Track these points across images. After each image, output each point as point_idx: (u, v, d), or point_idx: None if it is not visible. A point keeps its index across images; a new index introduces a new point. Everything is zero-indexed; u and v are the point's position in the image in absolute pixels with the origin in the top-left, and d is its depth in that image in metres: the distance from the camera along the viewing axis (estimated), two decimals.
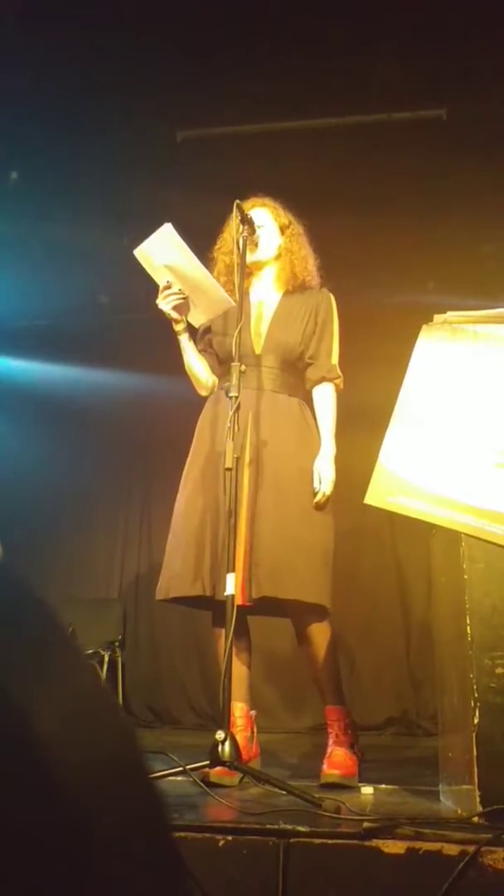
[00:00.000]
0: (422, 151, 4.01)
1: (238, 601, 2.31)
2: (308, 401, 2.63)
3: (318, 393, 2.61)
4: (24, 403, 5.55)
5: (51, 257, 4.78)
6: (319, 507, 2.46)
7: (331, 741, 2.37)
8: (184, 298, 2.46)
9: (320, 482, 2.46)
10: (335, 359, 2.63)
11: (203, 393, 2.70)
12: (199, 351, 2.68)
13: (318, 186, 3.96)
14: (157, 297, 2.51)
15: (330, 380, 2.61)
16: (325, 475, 2.47)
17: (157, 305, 2.49)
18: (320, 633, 2.44)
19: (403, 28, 3.42)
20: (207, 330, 2.69)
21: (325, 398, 2.60)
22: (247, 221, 2.48)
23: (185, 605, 2.57)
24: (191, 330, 2.61)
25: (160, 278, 2.46)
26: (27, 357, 5.67)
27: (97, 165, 4.11)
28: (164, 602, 2.57)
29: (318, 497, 2.45)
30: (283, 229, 2.71)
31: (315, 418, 2.60)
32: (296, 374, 2.62)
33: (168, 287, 2.45)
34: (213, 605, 2.43)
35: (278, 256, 2.69)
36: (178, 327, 2.55)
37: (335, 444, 2.55)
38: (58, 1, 3.31)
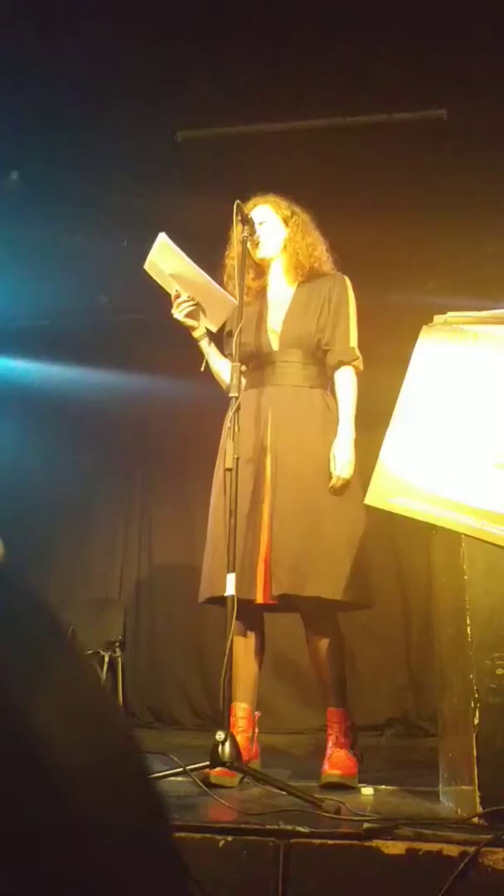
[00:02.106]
0: (422, 152, 4.00)
1: (260, 599, 2.34)
2: (333, 389, 2.60)
3: (338, 377, 2.59)
4: (25, 404, 5.54)
5: (51, 257, 4.78)
6: (336, 491, 2.44)
7: (330, 743, 2.38)
8: (195, 305, 2.48)
9: (336, 466, 2.44)
10: (353, 341, 2.60)
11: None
12: (226, 355, 2.68)
13: (319, 187, 3.94)
14: (161, 300, 2.53)
15: (348, 363, 2.58)
16: (340, 459, 2.44)
17: (172, 315, 2.51)
18: (330, 634, 2.44)
19: (404, 28, 3.41)
20: (230, 333, 2.70)
21: (344, 382, 2.57)
22: (247, 221, 2.49)
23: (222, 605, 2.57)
24: (213, 334, 2.63)
25: (170, 288, 2.48)
26: (27, 357, 5.66)
27: (97, 165, 4.11)
28: (204, 604, 2.57)
29: (333, 481, 2.43)
30: (286, 221, 2.71)
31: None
32: (317, 364, 2.60)
33: (178, 296, 2.47)
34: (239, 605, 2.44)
35: (285, 249, 2.69)
36: (197, 334, 2.57)
37: (353, 428, 2.51)
38: (58, 1, 3.31)
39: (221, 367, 2.68)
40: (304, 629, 2.50)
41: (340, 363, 2.58)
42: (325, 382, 2.61)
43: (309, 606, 2.44)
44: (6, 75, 3.53)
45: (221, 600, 2.45)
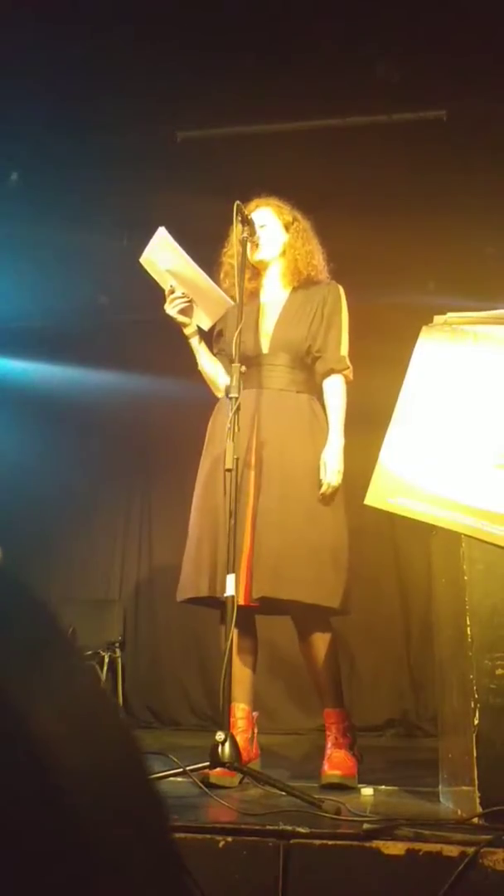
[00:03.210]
0: (422, 152, 4.00)
1: (241, 601, 2.31)
2: (320, 396, 2.61)
3: (327, 385, 2.59)
4: (25, 404, 5.54)
5: (51, 258, 4.78)
6: (325, 499, 2.44)
7: (329, 743, 2.37)
8: (189, 302, 2.47)
9: (326, 473, 2.45)
10: (344, 350, 2.60)
11: (219, 395, 2.71)
12: (215, 354, 2.68)
13: (319, 187, 3.95)
14: (161, 301, 2.52)
15: (338, 371, 2.58)
16: (330, 466, 2.45)
17: (164, 311, 2.50)
18: (322, 635, 2.44)
19: (404, 29, 3.41)
20: (221, 332, 2.69)
21: (333, 390, 2.58)
22: (247, 222, 2.48)
23: (201, 605, 2.56)
24: (203, 333, 2.62)
25: (165, 283, 2.48)
26: (27, 358, 5.67)
27: (97, 165, 4.11)
28: (183, 603, 2.57)
29: (324, 488, 2.43)
30: (287, 226, 2.70)
31: (325, 412, 2.59)
32: (306, 370, 2.60)
33: (172, 292, 2.46)
34: (221, 605, 2.44)
35: (283, 254, 2.69)
36: (188, 331, 2.57)
37: (343, 436, 2.53)
38: (57, 1, 3.31)
39: (210, 366, 2.67)
40: (296, 632, 2.50)
41: (331, 371, 2.58)
42: (313, 388, 2.61)
43: (295, 610, 2.43)
44: (6, 75, 3.53)
45: (203, 600, 2.46)
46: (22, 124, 3.85)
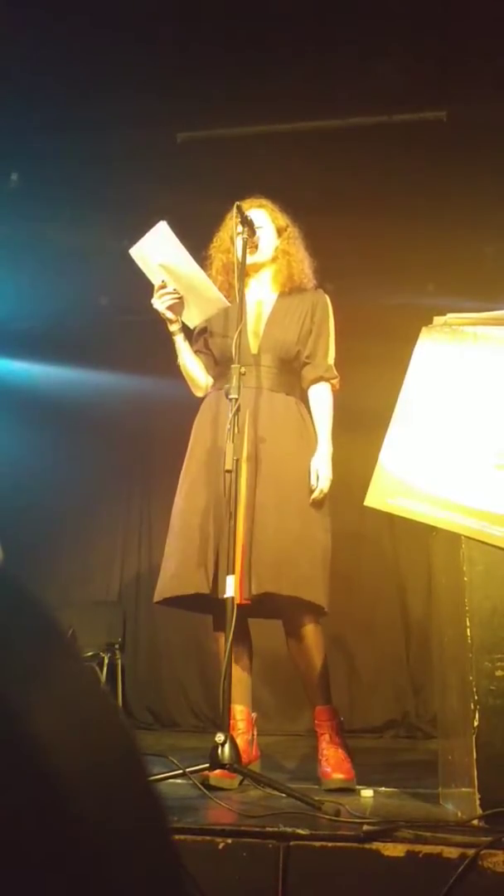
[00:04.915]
0: (422, 153, 4.00)
1: (237, 599, 2.31)
2: (304, 400, 2.63)
3: (315, 392, 2.62)
4: (25, 405, 5.54)
5: (51, 259, 4.78)
6: (317, 504, 2.47)
7: (324, 742, 2.37)
8: (178, 298, 2.46)
9: (318, 480, 2.46)
10: (331, 359, 2.64)
11: (198, 393, 2.70)
12: (195, 351, 2.68)
13: (319, 188, 3.96)
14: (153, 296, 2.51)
15: (327, 379, 2.62)
16: (322, 473, 2.48)
17: (152, 305, 2.49)
18: (314, 633, 2.44)
19: (405, 29, 3.41)
20: (203, 330, 2.69)
21: (321, 397, 2.61)
22: (247, 223, 2.47)
23: (185, 607, 2.55)
24: (185, 330, 2.61)
25: (155, 278, 2.46)
26: (27, 359, 5.66)
27: (97, 166, 4.11)
28: (164, 605, 2.54)
29: (316, 494, 2.45)
30: (280, 231, 2.71)
31: (311, 417, 2.60)
32: (292, 373, 2.62)
33: (163, 286, 2.45)
34: (212, 608, 2.43)
35: (275, 258, 2.69)
36: (173, 327, 2.55)
37: (331, 444, 2.56)
38: (58, 1, 3.31)
39: (192, 364, 2.65)
40: (285, 631, 2.49)
41: (320, 378, 2.61)
42: (298, 392, 2.63)
43: (290, 607, 2.43)
44: (6, 75, 3.53)
45: (185, 601, 2.45)
46: (22, 125, 3.85)
